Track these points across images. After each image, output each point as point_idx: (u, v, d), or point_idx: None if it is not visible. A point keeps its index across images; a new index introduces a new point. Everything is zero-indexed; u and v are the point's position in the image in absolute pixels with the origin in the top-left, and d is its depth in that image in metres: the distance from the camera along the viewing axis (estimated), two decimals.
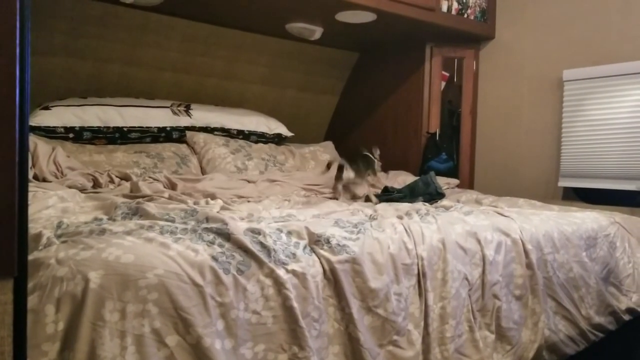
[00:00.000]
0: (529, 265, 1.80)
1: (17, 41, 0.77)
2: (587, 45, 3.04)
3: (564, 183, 3.10)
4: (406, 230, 1.60)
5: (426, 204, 2.33)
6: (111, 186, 2.30)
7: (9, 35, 0.76)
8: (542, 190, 3.23)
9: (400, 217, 1.77)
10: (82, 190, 2.12)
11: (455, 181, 3.21)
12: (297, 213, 1.83)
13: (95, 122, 2.79)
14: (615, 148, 2.86)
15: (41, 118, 2.64)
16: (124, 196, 1.92)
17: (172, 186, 2.27)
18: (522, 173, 3.34)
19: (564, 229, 2.01)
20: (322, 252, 1.35)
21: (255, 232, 1.33)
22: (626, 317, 2.11)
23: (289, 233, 1.39)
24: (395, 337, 1.42)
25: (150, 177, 2.33)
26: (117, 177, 2.40)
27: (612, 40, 2.94)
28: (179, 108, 3.12)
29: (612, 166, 2.88)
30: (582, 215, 2.21)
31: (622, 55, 2.89)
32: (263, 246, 1.28)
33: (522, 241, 1.82)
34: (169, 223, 1.37)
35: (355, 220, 1.66)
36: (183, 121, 3.10)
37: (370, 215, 1.84)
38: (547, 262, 1.87)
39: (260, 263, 1.23)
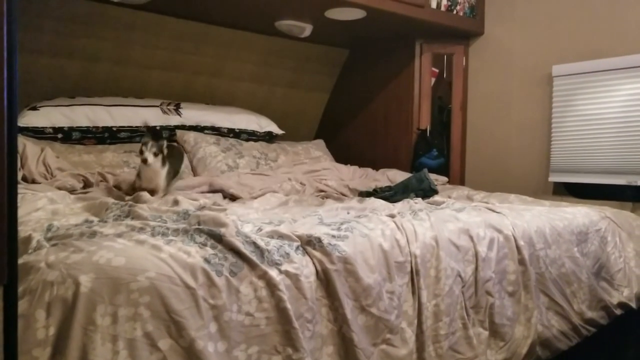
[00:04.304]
0: (522, 262, 1.81)
1: (5, 40, 0.75)
2: (576, 40, 3.05)
3: (554, 178, 3.11)
4: (398, 228, 1.60)
5: (418, 199, 2.34)
6: (102, 185, 2.29)
7: None
8: (532, 185, 3.24)
9: (392, 215, 1.77)
10: (72, 191, 2.10)
11: (444, 179, 3.21)
12: (284, 213, 1.83)
13: (84, 122, 2.76)
14: (605, 143, 2.88)
15: (29, 118, 2.61)
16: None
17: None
18: (513, 169, 3.35)
19: (555, 224, 2.01)
20: (314, 252, 1.35)
21: (248, 235, 1.32)
22: (618, 312, 2.12)
23: (280, 237, 1.38)
24: (388, 336, 1.42)
25: None
26: (109, 173, 2.39)
27: (601, 35, 2.95)
28: (168, 107, 3.10)
29: (602, 161, 2.89)
30: (573, 210, 2.21)
31: (611, 50, 2.90)
32: (256, 246, 1.27)
33: (514, 237, 1.82)
34: (161, 224, 1.36)
35: (340, 219, 1.66)
36: (173, 120, 3.08)
37: (359, 213, 1.83)
38: (539, 258, 1.87)
39: (252, 265, 1.22)
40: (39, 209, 1.60)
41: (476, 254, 1.69)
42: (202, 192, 2.35)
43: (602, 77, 2.89)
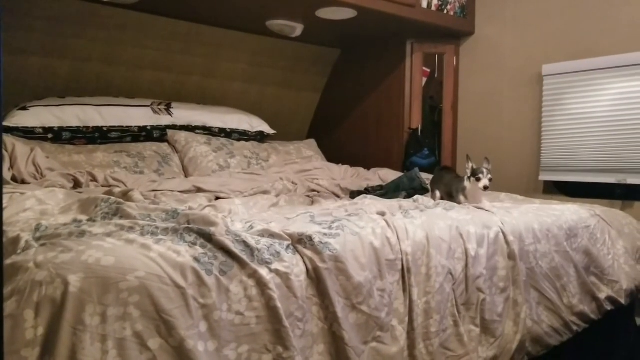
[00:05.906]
0: (511, 256, 1.81)
1: None
2: (566, 40, 3.07)
3: (544, 177, 3.12)
4: (389, 226, 1.60)
5: (409, 199, 2.34)
6: (93, 185, 2.28)
7: None
8: (523, 184, 3.26)
9: (382, 214, 1.77)
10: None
11: None
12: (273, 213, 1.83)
13: (74, 122, 2.75)
14: (594, 141, 2.90)
15: (19, 119, 2.60)
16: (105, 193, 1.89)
17: None
18: (504, 168, 3.36)
19: (544, 220, 2.03)
20: (305, 251, 1.35)
21: (238, 234, 1.32)
22: (608, 306, 2.13)
23: (271, 236, 1.38)
24: (379, 334, 1.42)
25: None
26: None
27: (591, 34, 2.97)
28: (159, 107, 3.09)
29: (591, 159, 2.91)
30: (562, 207, 2.23)
31: (600, 50, 2.92)
32: (246, 245, 1.27)
33: (503, 233, 1.83)
34: (150, 223, 1.35)
35: (331, 218, 1.66)
36: (164, 120, 3.07)
37: (350, 212, 1.84)
38: (529, 252, 1.88)
39: (242, 264, 1.22)
40: (27, 209, 1.59)
41: (466, 251, 1.69)
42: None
43: (591, 76, 2.91)
